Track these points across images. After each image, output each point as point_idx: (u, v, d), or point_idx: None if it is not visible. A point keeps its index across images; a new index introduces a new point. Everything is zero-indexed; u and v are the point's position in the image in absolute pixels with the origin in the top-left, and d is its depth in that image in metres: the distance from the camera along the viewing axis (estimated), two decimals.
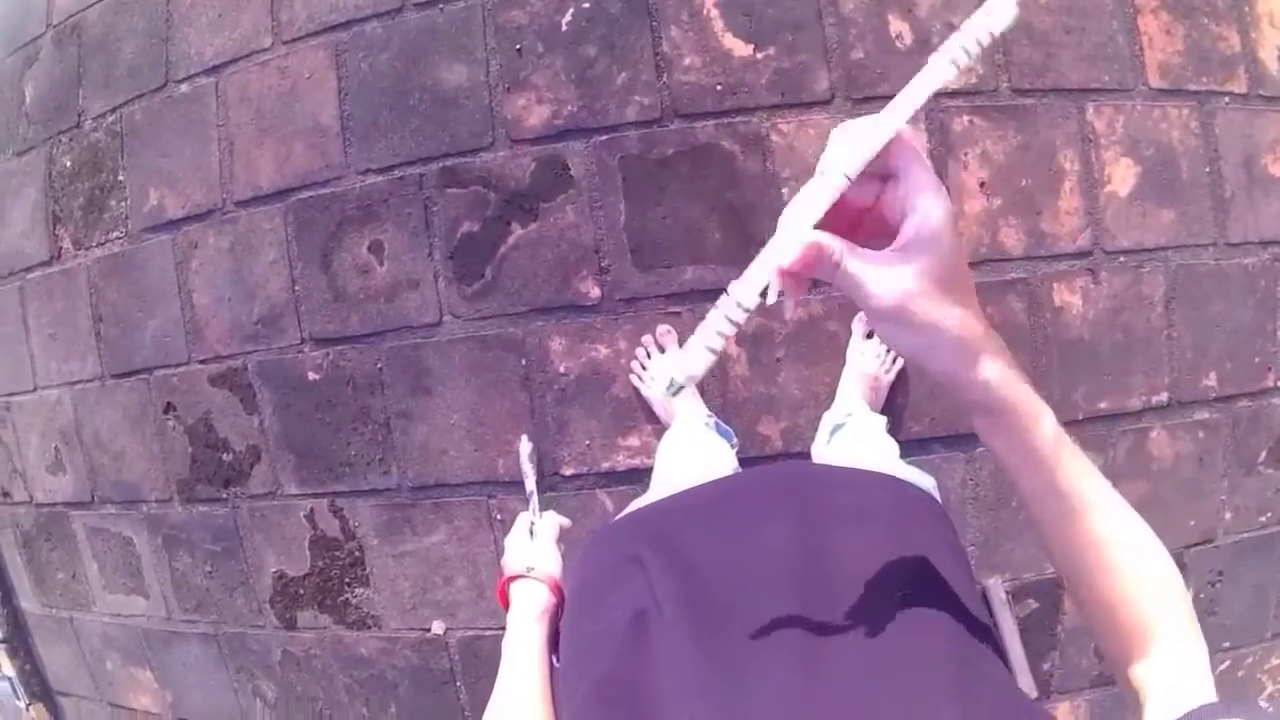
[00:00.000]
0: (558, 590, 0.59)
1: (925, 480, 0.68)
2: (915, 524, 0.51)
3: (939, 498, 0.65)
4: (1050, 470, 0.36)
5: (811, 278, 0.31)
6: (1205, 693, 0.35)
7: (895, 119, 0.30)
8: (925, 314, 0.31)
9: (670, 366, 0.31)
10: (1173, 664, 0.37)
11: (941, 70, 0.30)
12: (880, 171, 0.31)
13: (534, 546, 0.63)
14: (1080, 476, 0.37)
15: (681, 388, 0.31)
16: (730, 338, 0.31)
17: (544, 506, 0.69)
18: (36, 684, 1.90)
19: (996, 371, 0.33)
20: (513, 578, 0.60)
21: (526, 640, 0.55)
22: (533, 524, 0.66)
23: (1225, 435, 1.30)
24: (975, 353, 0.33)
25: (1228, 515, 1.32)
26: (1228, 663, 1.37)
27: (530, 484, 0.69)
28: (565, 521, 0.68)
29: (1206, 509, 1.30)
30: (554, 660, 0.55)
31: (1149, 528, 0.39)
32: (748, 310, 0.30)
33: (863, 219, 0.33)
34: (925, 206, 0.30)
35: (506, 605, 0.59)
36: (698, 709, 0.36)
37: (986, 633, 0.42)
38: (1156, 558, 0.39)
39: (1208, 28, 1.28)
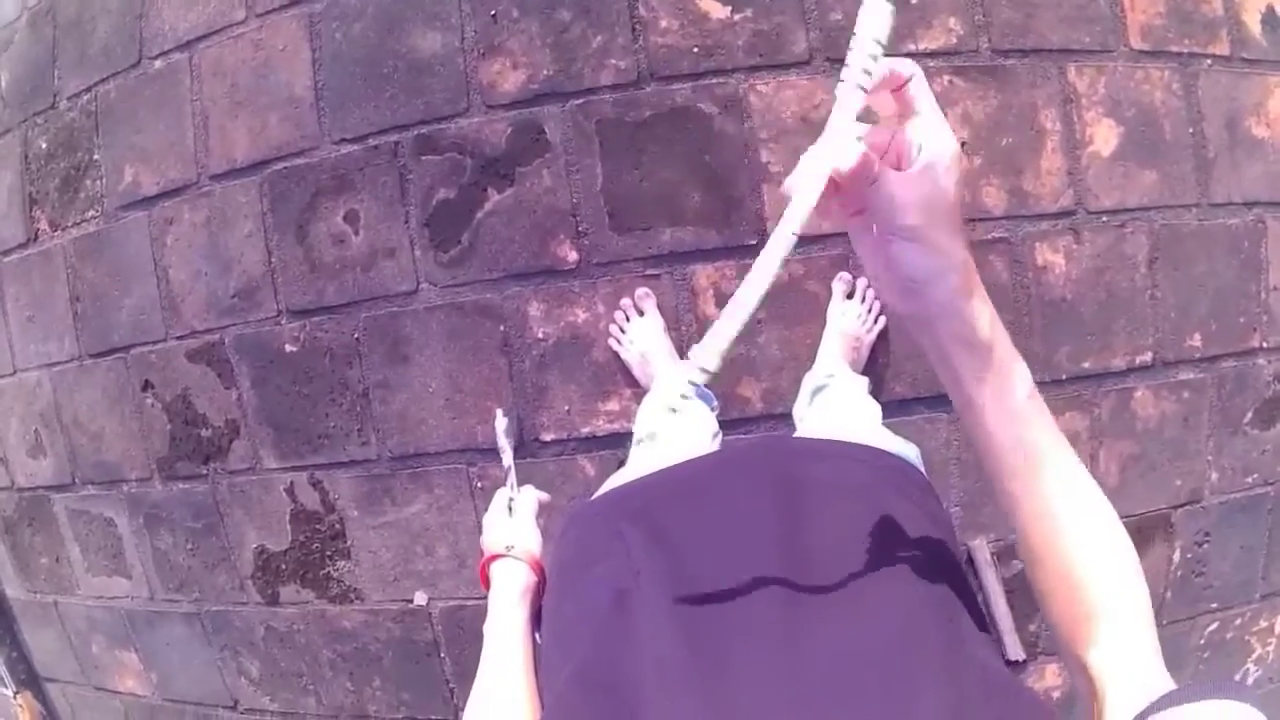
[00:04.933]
0: (539, 568, 0.59)
1: (908, 449, 0.68)
2: (896, 495, 0.51)
3: (921, 466, 0.65)
4: (1022, 422, 0.37)
5: (837, 207, 0.33)
6: (1165, 683, 0.34)
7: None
8: (942, 234, 0.33)
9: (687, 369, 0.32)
10: (1131, 651, 0.36)
11: (852, 97, 0.32)
12: (896, 112, 0.34)
13: (513, 524, 0.62)
14: (1046, 431, 0.37)
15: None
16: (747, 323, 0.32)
17: (524, 474, 0.69)
18: (23, 671, 1.89)
19: (988, 309, 0.36)
20: (493, 557, 0.59)
21: (508, 621, 0.54)
22: (511, 500, 0.65)
23: (1210, 395, 1.30)
24: (973, 285, 0.35)
25: (1214, 476, 1.32)
26: (1215, 624, 1.38)
27: (507, 459, 0.68)
28: (544, 496, 0.67)
29: (1193, 469, 1.31)
30: (537, 638, 0.55)
31: (1110, 507, 0.39)
32: (713, 370, 0.32)
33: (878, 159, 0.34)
34: (937, 138, 0.33)
35: (488, 586, 0.59)
36: (679, 692, 0.35)
37: (971, 603, 0.42)
38: (1116, 534, 0.39)
39: None
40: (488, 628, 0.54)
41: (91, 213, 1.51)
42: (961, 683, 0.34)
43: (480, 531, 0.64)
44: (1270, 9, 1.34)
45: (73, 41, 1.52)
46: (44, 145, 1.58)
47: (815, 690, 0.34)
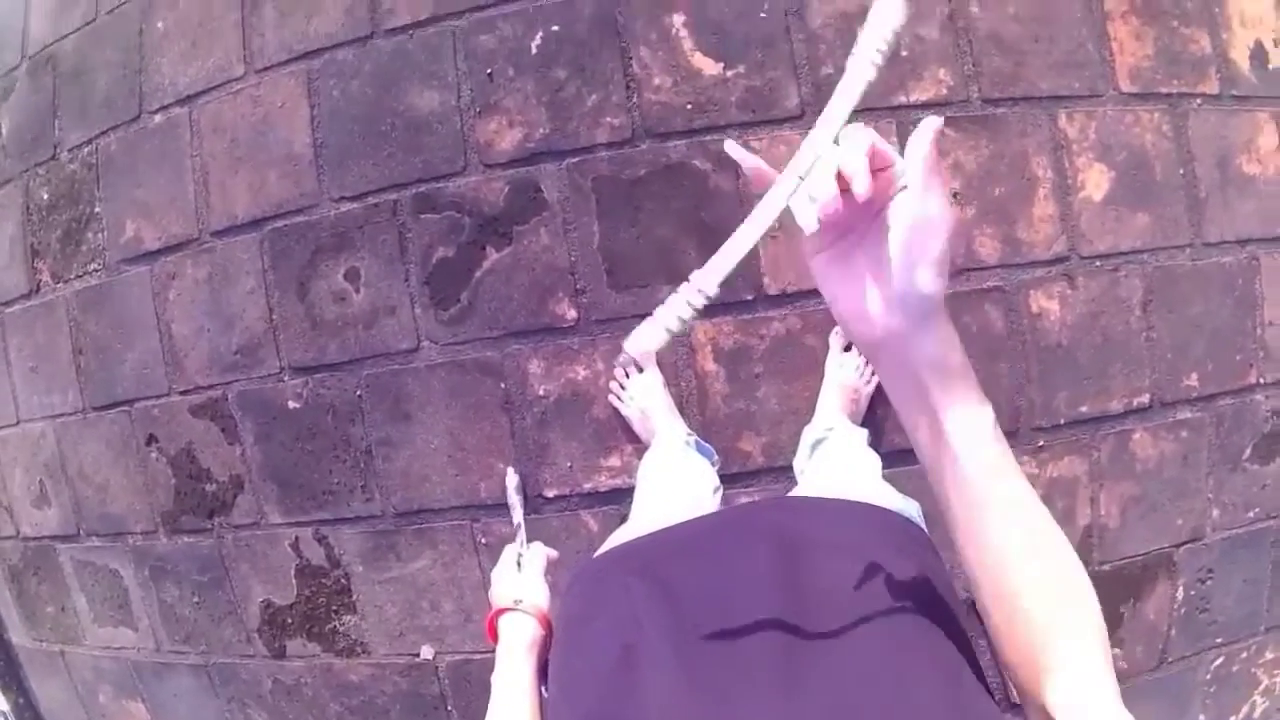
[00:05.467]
0: (546, 622, 0.60)
1: (909, 505, 0.68)
2: (895, 552, 0.51)
3: (923, 522, 0.65)
4: (990, 455, 0.36)
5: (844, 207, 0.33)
6: None
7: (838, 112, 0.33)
8: (944, 243, 0.34)
9: (627, 340, 0.34)
10: (1091, 696, 0.35)
11: (864, 71, 0.33)
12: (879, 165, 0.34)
13: (521, 579, 0.64)
14: (1013, 472, 0.37)
15: (632, 361, 0.33)
16: (690, 321, 0.33)
17: (528, 529, 0.69)
18: (30, 717, 1.89)
19: (957, 338, 0.36)
20: (501, 611, 0.60)
21: (516, 673, 0.55)
22: (520, 556, 0.66)
23: (1209, 434, 1.30)
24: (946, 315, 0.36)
25: (1215, 513, 1.32)
26: (1221, 659, 1.37)
27: (517, 516, 0.69)
28: (553, 553, 0.68)
29: (1193, 507, 1.31)
30: (544, 692, 0.56)
31: (1068, 544, 0.39)
32: (712, 294, 0.33)
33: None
34: (930, 183, 0.34)
35: (495, 639, 0.59)
36: None
37: (972, 657, 0.42)
38: (1076, 575, 0.38)
39: (1178, 30, 1.29)
40: (495, 680, 0.55)
41: (94, 265, 1.51)
42: None
43: (485, 586, 0.66)
44: (1259, 45, 1.35)
45: (73, 92, 1.53)
46: (45, 196, 1.59)
47: None
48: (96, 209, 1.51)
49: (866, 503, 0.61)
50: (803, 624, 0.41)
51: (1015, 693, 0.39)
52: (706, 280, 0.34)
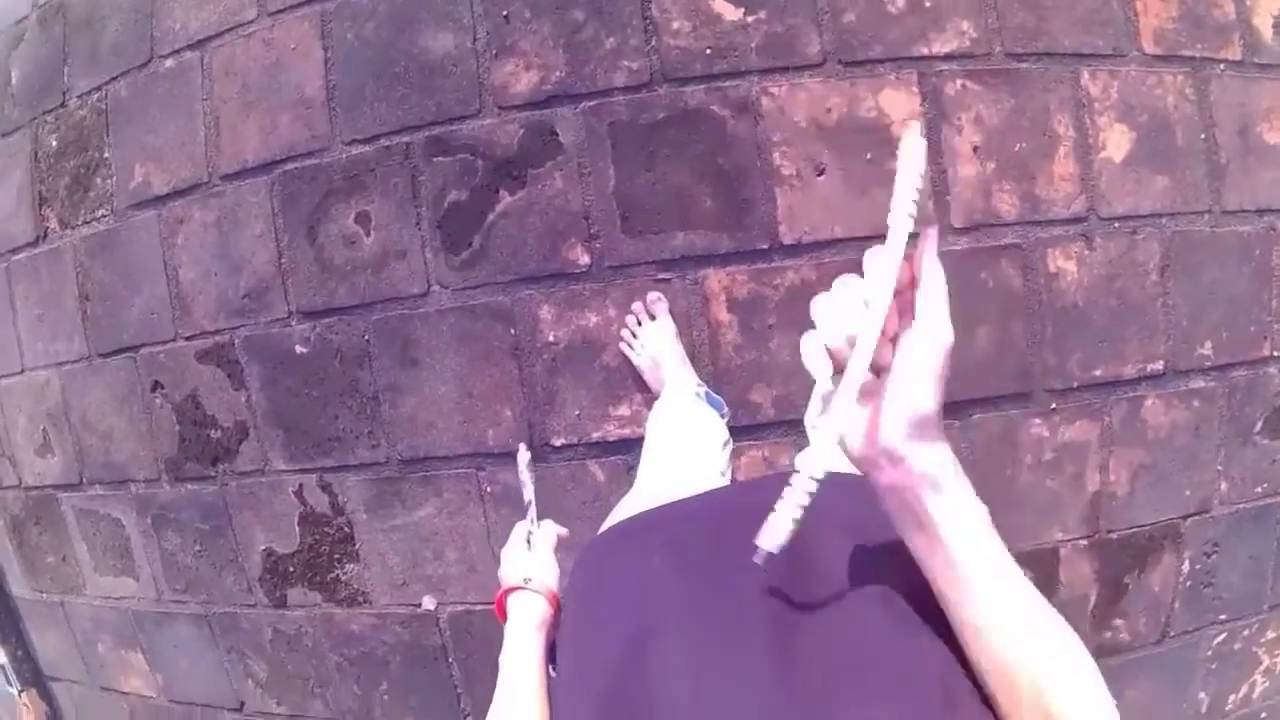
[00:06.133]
0: (555, 602, 0.58)
1: None
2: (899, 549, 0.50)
3: None
4: (995, 550, 0.36)
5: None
6: None
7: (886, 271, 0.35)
8: (944, 361, 0.35)
9: (761, 538, 0.36)
10: None
11: (902, 225, 0.34)
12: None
13: (531, 557, 0.62)
14: (1014, 570, 0.37)
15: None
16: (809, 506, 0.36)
17: (535, 477, 0.68)
18: (28, 670, 1.88)
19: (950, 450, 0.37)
20: (510, 589, 0.59)
21: (524, 653, 0.54)
22: (530, 533, 0.64)
23: (1221, 405, 1.28)
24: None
25: (1223, 486, 1.30)
26: (1224, 635, 1.36)
27: (529, 493, 0.68)
28: (563, 531, 0.67)
29: (1202, 479, 1.29)
30: (551, 671, 0.54)
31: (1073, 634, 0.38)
32: (820, 477, 0.36)
33: None
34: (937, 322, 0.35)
35: (504, 617, 0.58)
36: None
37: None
38: (1087, 661, 0.38)
39: None
40: (503, 659, 0.54)
41: (101, 211, 1.49)
42: (957, 705, 0.34)
43: (490, 536, 0.64)
44: None
45: (84, 39, 1.50)
46: (54, 143, 1.56)
47: None
48: (105, 154, 1.48)
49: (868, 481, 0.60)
50: (806, 602, 0.41)
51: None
52: (813, 468, 0.36)
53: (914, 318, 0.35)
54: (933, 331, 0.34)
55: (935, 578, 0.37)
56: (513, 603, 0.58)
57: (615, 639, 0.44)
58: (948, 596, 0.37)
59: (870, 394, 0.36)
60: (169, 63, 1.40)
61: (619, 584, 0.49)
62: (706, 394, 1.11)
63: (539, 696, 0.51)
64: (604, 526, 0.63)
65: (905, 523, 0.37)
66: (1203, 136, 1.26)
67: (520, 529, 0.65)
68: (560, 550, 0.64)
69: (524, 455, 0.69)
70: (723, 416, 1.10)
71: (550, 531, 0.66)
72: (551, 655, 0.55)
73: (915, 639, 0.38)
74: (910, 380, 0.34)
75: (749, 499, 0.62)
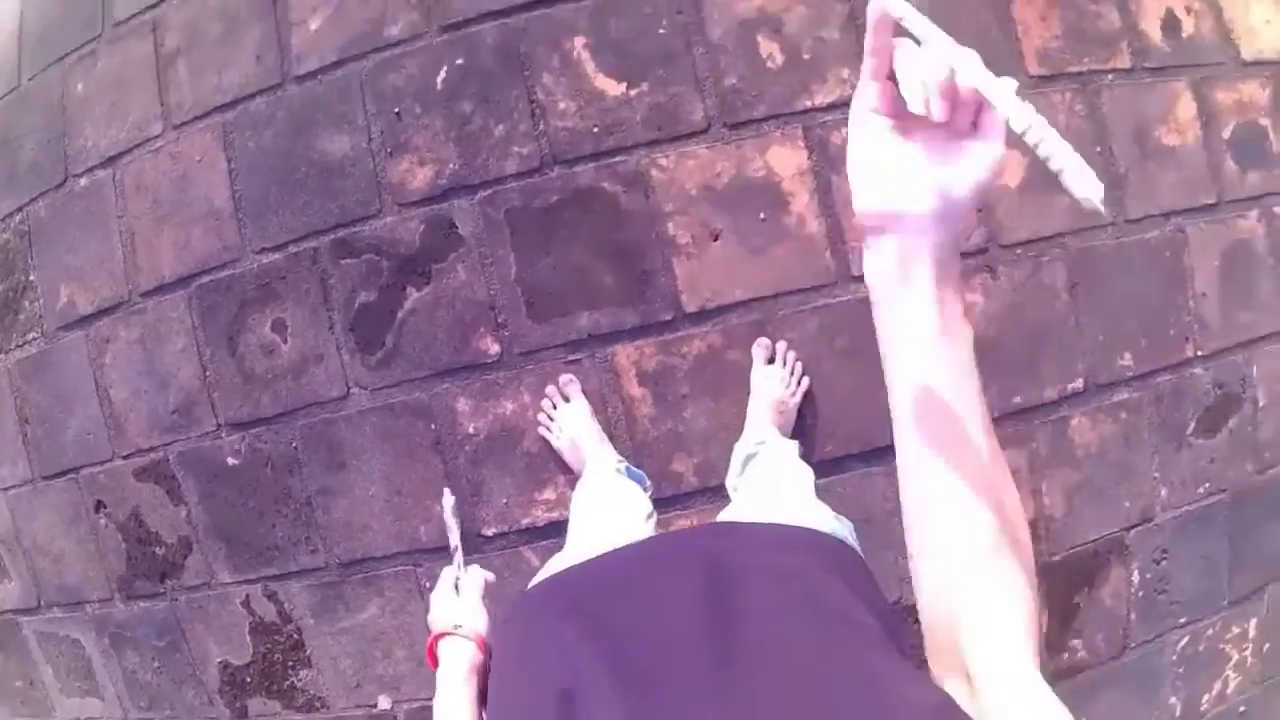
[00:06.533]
0: (485, 647, 0.59)
1: (842, 526, 0.67)
2: (829, 576, 0.50)
3: (855, 542, 0.64)
4: (967, 354, 0.35)
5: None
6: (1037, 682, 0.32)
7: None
8: (994, 177, 0.33)
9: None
10: (1010, 649, 0.34)
11: (1020, 110, 0.31)
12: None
13: (460, 603, 0.62)
14: (977, 388, 0.36)
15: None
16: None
17: (459, 513, 0.68)
18: None
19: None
20: (440, 635, 0.59)
21: (455, 699, 0.55)
22: (458, 579, 0.65)
23: (1149, 412, 1.28)
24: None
25: (1164, 491, 1.30)
26: (1186, 639, 1.34)
27: (454, 539, 0.68)
28: (490, 576, 0.67)
29: (1140, 489, 1.28)
30: (484, 716, 0.55)
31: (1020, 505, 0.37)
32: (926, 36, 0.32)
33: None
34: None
35: (435, 664, 0.59)
36: None
37: (910, 671, 0.40)
38: (1023, 535, 0.37)
39: (1085, 7, 1.28)
40: (436, 705, 0.54)
41: (32, 334, 1.49)
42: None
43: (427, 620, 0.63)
44: (1170, 14, 1.33)
45: (2, 161, 1.51)
46: None
47: None
48: (31, 277, 1.48)
49: (798, 526, 0.60)
50: (736, 652, 0.40)
51: (930, 656, 0.38)
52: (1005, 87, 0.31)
53: (977, 132, 0.32)
54: (994, 146, 0.32)
55: (898, 340, 0.36)
56: (443, 649, 0.58)
57: (539, 709, 0.44)
58: (904, 364, 0.36)
59: (911, 150, 0.33)
60: (83, 181, 1.41)
61: (540, 651, 0.49)
62: (627, 469, 1.10)
63: None
64: (533, 582, 0.63)
65: (890, 284, 0.35)
66: (1098, 149, 1.27)
67: (448, 574, 0.66)
68: (487, 598, 0.64)
69: (449, 500, 0.69)
70: (645, 490, 1.09)
71: (477, 577, 0.66)
72: (484, 700, 0.55)
73: (858, 687, 0.36)
74: (960, 170, 0.32)
75: (668, 549, 0.62)
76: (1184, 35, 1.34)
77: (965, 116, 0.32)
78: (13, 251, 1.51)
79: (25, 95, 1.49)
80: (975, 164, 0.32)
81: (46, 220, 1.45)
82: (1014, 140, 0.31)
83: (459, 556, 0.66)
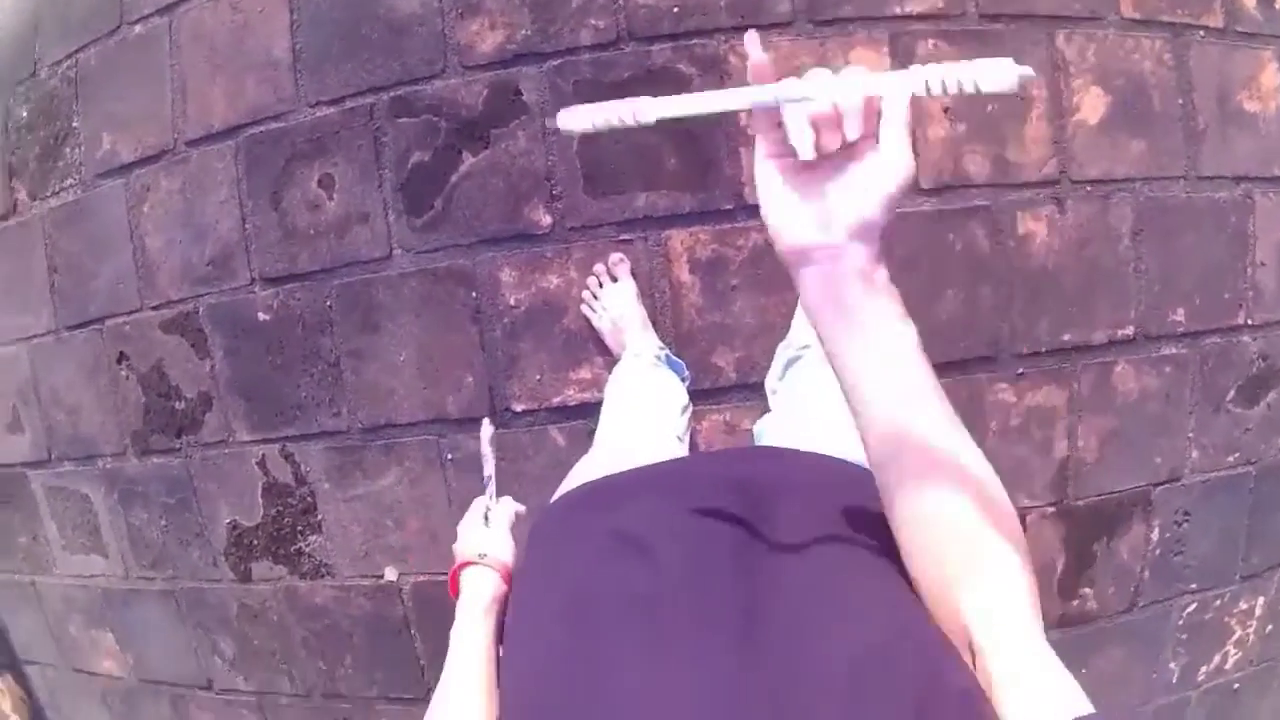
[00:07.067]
0: (509, 578, 0.57)
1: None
2: (861, 507, 0.47)
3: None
4: (915, 366, 0.37)
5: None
6: (1041, 649, 0.32)
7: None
8: (901, 187, 0.35)
9: (560, 113, 0.37)
10: (1008, 605, 0.34)
11: (911, 82, 0.33)
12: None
13: (488, 533, 0.60)
14: (937, 390, 0.37)
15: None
16: (614, 127, 0.37)
17: (495, 442, 0.66)
18: (4, 655, 1.83)
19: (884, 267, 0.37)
20: (465, 564, 0.57)
21: (475, 629, 0.52)
22: (488, 509, 0.63)
23: (1193, 372, 1.25)
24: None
25: (1195, 454, 1.27)
26: (1194, 605, 1.33)
27: (489, 469, 0.66)
28: (521, 508, 0.65)
29: (1173, 446, 1.26)
30: (501, 649, 0.52)
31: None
32: (645, 121, 0.36)
33: None
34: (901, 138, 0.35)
35: (457, 593, 0.56)
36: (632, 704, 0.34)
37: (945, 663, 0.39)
38: (1002, 496, 0.37)
39: None
40: (454, 635, 0.52)
41: (69, 181, 1.45)
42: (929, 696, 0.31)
43: (451, 504, 0.62)
44: None
45: (55, 8, 1.47)
46: (24, 115, 1.53)
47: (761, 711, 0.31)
48: (74, 124, 1.45)
49: (833, 460, 0.58)
50: (765, 578, 0.40)
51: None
52: (649, 108, 0.35)
53: (876, 143, 0.34)
54: (896, 156, 0.34)
55: (848, 365, 0.37)
56: (466, 578, 0.56)
57: (560, 612, 0.43)
58: (859, 387, 0.37)
59: (815, 182, 0.36)
60: (137, 29, 1.36)
61: (569, 556, 0.48)
62: (668, 357, 1.08)
63: (487, 672, 0.49)
64: (558, 492, 0.62)
65: (824, 311, 0.37)
66: (1180, 102, 1.23)
67: (478, 504, 0.64)
68: (518, 527, 0.62)
69: (487, 430, 0.68)
70: (683, 380, 1.07)
71: (508, 508, 0.64)
72: (502, 633, 0.53)
73: (881, 613, 0.36)
74: (865, 189, 0.35)
75: (704, 470, 0.60)
76: (1277, 5, 1.30)
77: (862, 134, 0.34)
78: (59, 98, 1.47)
79: None
80: (880, 179, 0.34)
81: (96, 68, 1.41)
82: (940, 103, 0.32)
83: (492, 486, 0.65)
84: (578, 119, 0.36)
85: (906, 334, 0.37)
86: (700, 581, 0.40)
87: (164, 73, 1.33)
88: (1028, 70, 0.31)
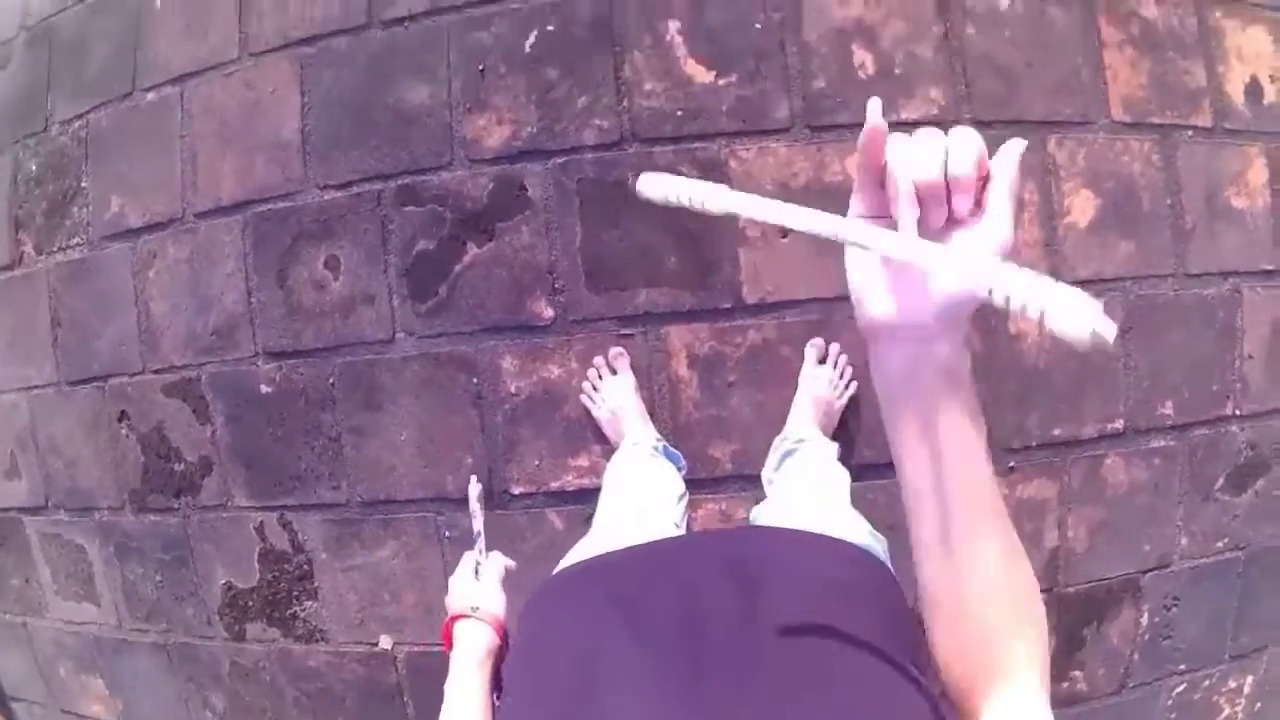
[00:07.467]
0: (501, 631, 0.61)
1: (878, 545, 0.68)
2: (857, 593, 0.52)
3: (888, 559, 0.65)
4: (981, 466, 0.36)
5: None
6: None
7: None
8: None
9: (641, 177, 0.34)
10: (1027, 706, 0.36)
11: (989, 277, 0.30)
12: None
13: (479, 587, 0.64)
14: (996, 491, 0.37)
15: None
16: (688, 205, 0.34)
17: (493, 525, 0.72)
18: None
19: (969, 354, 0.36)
20: (457, 617, 0.61)
21: (469, 682, 0.56)
22: (478, 564, 0.67)
23: (1182, 462, 1.32)
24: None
25: (1184, 541, 1.34)
26: (1183, 686, 1.38)
27: (478, 524, 0.70)
28: (510, 563, 0.69)
29: (1162, 535, 1.32)
30: (495, 700, 0.57)
31: (1025, 558, 0.40)
32: (715, 211, 0.33)
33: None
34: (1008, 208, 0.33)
35: (450, 645, 0.60)
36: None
37: (929, 694, 0.42)
38: (1035, 590, 0.39)
39: (1173, 62, 1.31)
40: (448, 686, 0.56)
41: (76, 240, 1.52)
42: None
43: (447, 580, 0.67)
44: (1254, 80, 1.36)
45: (69, 65, 1.53)
46: (34, 168, 1.59)
47: None
48: (83, 184, 1.51)
49: (829, 537, 0.61)
50: (761, 662, 0.42)
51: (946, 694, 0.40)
52: (722, 200, 0.33)
53: (981, 210, 0.33)
54: (999, 227, 0.32)
55: (912, 454, 0.36)
56: (459, 631, 0.60)
57: (563, 674, 0.45)
58: (918, 480, 0.36)
59: (903, 263, 0.33)
60: (150, 96, 1.43)
61: (568, 624, 0.51)
62: (665, 448, 1.14)
63: None
64: (559, 568, 0.65)
65: (898, 394, 0.36)
66: (1169, 202, 1.30)
67: (469, 559, 0.68)
68: (506, 584, 0.66)
69: (475, 487, 0.72)
70: (680, 470, 1.13)
71: (498, 562, 0.68)
72: (497, 685, 0.57)
73: (879, 708, 0.38)
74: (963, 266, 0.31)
75: (694, 548, 0.64)
76: (1265, 103, 1.36)
77: (964, 203, 0.32)
78: (68, 156, 1.53)
79: (101, 3, 1.51)
80: (979, 252, 0.32)
81: (107, 129, 1.48)
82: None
83: (481, 542, 0.69)
84: (656, 187, 0.35)
85: (978, 434, 0.35)
86: (689, 647, 0.42)
87: (174, 142, 1.40)
88: (1105, 331, 0.27)
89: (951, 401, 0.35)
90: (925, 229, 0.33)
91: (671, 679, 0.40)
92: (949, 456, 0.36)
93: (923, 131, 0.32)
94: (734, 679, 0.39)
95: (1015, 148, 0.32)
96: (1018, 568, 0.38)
